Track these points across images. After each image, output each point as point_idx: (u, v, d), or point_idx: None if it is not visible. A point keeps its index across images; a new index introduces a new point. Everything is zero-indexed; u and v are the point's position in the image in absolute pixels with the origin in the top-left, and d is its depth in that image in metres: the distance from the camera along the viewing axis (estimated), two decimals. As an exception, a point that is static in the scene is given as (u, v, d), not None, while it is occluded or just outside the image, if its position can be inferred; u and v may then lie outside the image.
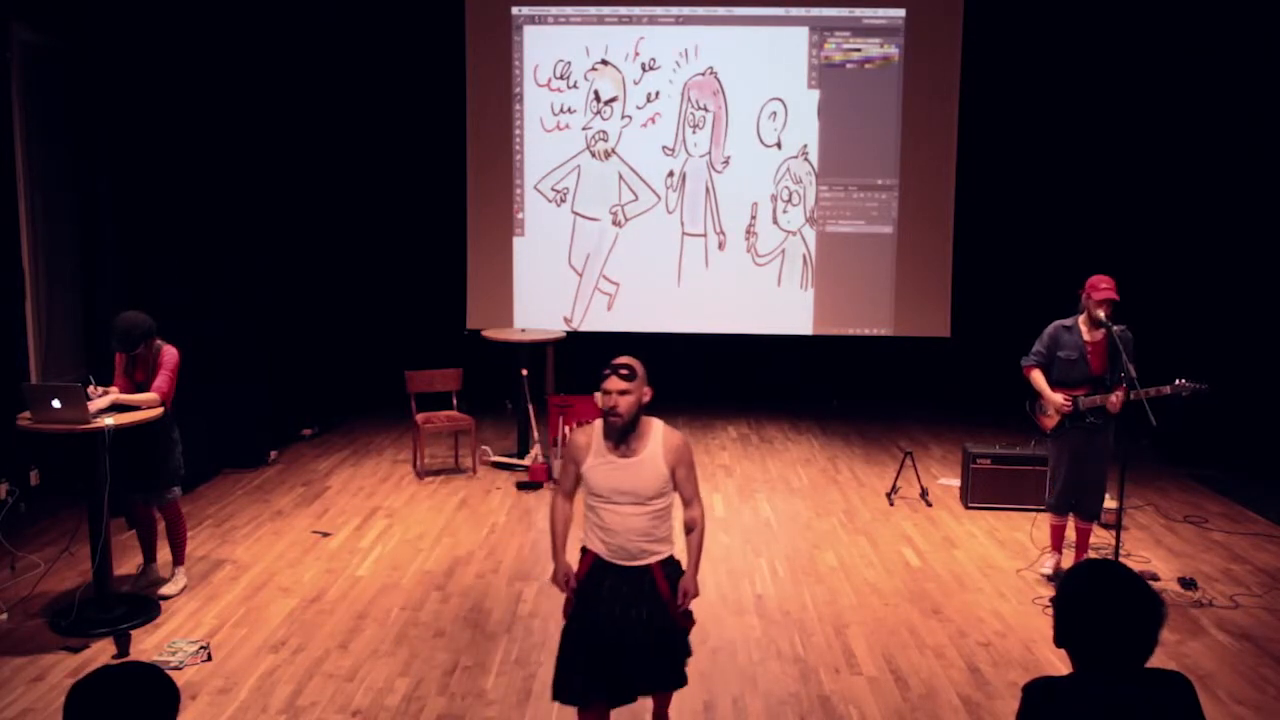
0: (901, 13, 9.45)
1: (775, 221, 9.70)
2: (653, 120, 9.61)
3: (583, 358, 8.71)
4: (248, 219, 8.22)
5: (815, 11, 9.49)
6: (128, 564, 6.01)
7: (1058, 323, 5.88)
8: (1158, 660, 2.36)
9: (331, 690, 4.65)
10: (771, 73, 9.54)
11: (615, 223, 9.73)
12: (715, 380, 10.17)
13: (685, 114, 9.59)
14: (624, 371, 3.70)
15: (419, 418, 7.97)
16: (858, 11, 9.48)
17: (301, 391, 9.04)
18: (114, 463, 5.18)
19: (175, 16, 7.43)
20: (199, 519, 6.83)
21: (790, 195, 9.65)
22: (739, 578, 6.02)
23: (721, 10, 9.50)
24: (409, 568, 6.12)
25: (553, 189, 9.76)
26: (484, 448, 8.37)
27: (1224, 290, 8.55)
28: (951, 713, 4.52)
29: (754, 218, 9.69)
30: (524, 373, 8.25)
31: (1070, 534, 6.12)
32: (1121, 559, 5.67)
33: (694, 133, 9.61)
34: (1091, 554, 6.08)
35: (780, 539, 6.71)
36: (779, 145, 9.62)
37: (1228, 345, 8.33)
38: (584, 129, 9.65)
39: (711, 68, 9.54)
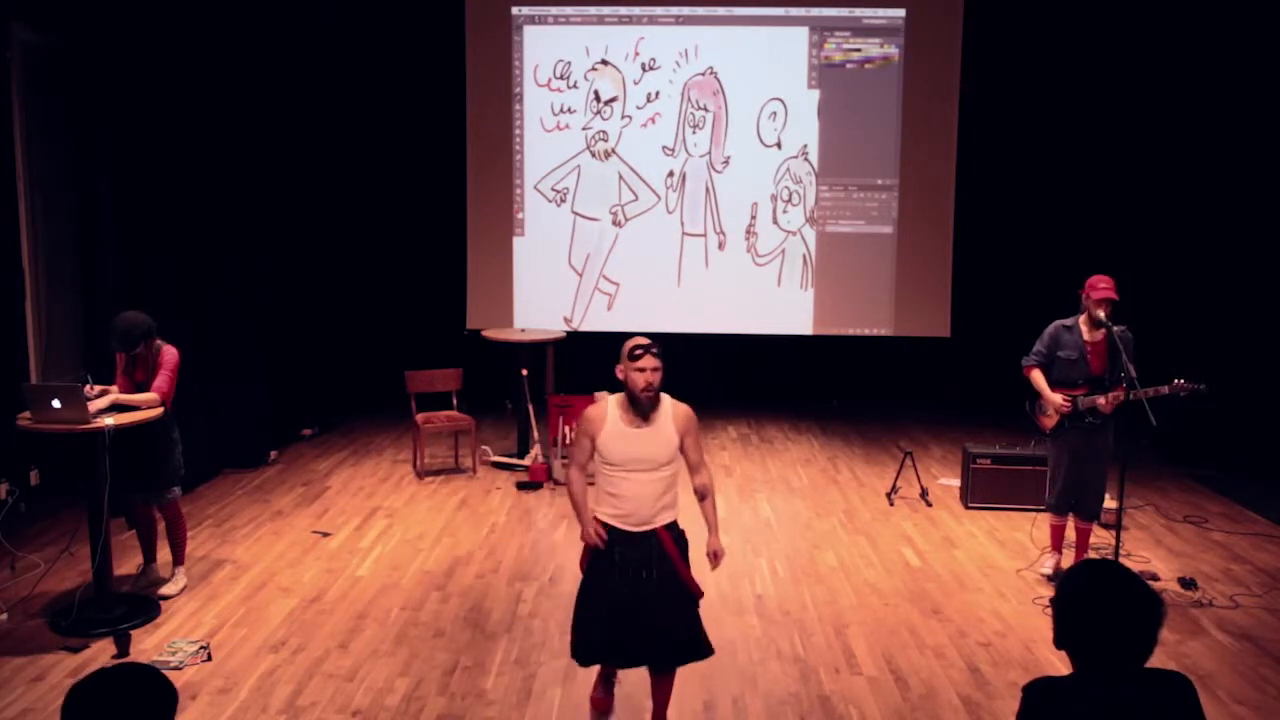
0: (901, 13, 9.44)
1: (775, 221, 9.70)
2: (653, 120, 9.61)
3: (583, 358, 8.72)
4: (248, 219, 8.22)
5: (815, 11, 9.49)
6: (128, 564, 6.01)
7: (1058, 322, 5.89)
8: (1158, 660, 2.36)
9: (331, 690, 4.65)
10: (771, 73, 9.53)
11: (615, 223, 9.73)
12: (715, 380, 10.16)
13: (685, 114, 9.59)
14: (655, 350, 3.99)
15: (419, 418, 7.97)
16: (858, 11, 9.47)
17: (301, 391, 9.04)
18: (114, 463, 5.17)
19: (175, 16, 7.43)
20: (199, 519, 6.83)
21: (790, 195, 9.65)
22: (739, 578, 6.02)
23: (721, 10, 9.50)
24: (409, 568, 6.12)
25: (553, 189, 9.76)
26: (484, 448, 8.37)
27: (1224, 290, 8.55)
28: (951, 713, 4.52)
29: (754, 218, 9.69)
30: (524, 373, 8.25)
31: (1070, 534, 6.12)
32: (1121, 559, 5.67)
33: (694, 133, 9.61)
34: (1091, 554, 6.08)
35: (780, 539, 6.71)
36: (779, 145, 9.62)
37: (1227, 345, 8.33)
38: (584, 129, 9.65)
39: (711, 68, 9.54)
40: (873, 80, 9.53)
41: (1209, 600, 5.73)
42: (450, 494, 7.56)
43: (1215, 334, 8.44)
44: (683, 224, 9.72)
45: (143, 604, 5.46)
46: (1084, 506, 5.95)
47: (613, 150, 9.64)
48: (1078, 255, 8.05)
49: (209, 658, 4.92)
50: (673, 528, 4.12)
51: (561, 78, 9.61)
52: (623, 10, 9.55)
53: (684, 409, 4.13)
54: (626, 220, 9.72)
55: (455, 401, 8.24)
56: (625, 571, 4.03)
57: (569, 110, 9.64)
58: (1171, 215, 9.00)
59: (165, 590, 5.64)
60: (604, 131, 9.63)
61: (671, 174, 9.66)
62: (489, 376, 9.09)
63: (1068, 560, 6.10)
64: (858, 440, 9.18)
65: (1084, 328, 5.77)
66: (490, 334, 8.77)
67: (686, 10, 9.51)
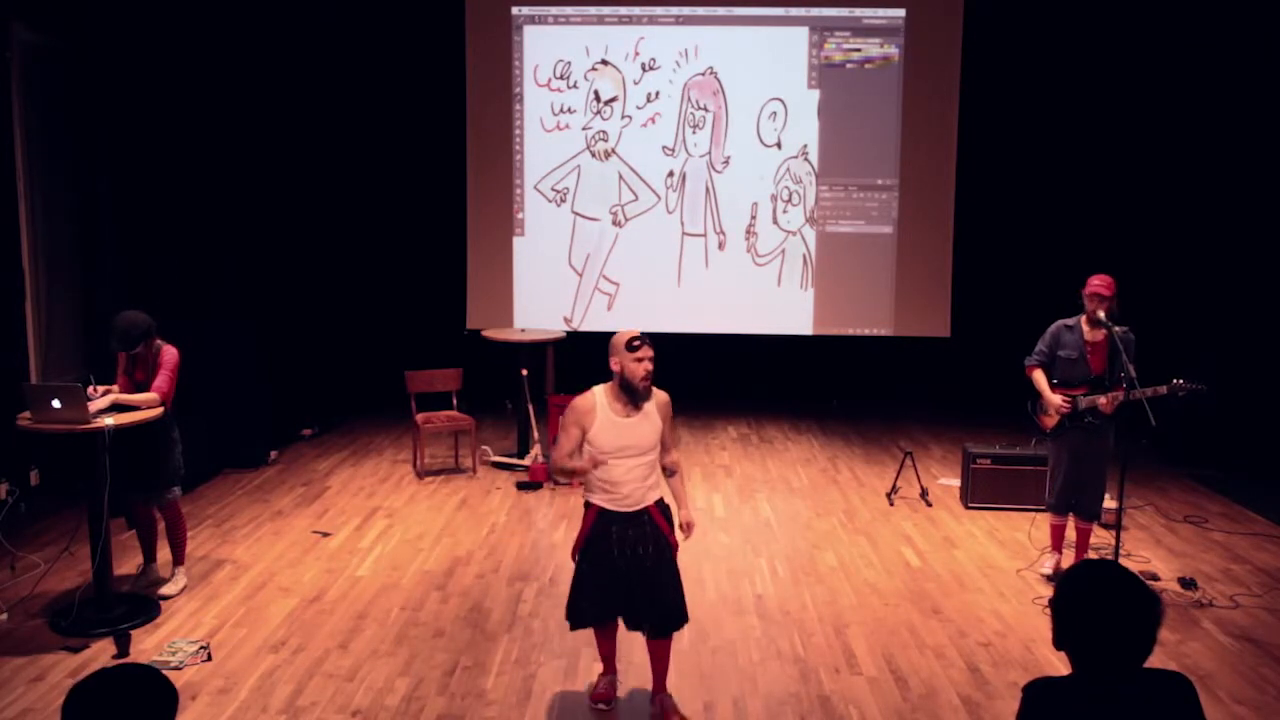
0: (901, 13, 9.44)
1: (775, 221, 9.70)
2: (653, 120, 9.61)
3: (583, 358, 8.71)
4: (247, 219, 8.22)
5: (815, 11, 9.49)
6: (128, 564, 6.01)
7: (1060, 322, 5.90)
8: (1158, 660, 2.37)
9: (331, 690, 4.65)
10: (771, 73, 9.53)
11: (615, 223, 9.73)
12: (715, 380, 10.17)
13: (685, 114, 9.59)
14: (649, 342, 4.24)
15: (419, 418, 7.97)
16: (858, 11, 9.47)
17: (301, 391, 9.04)
18: (114, 463, 5.17)
19: (175, 16, 7.43)
20: (199, 519, 6.83)
21: (790, 195, 9.65)
22: (739, 578, 6.02)
23: (721, 10, 9.49)
24: (409, 568, 6.12)
25: (553, 189, 9.76)
26: (484, 448, 8.37)
27: (1224, 290, 8.55)
28: (951, 713, 4.52)
29: (754, 218, 9.69)
30: (524, 373, 8.25)
31: (1070, 534, 6.12)
32: (1121, 559, 5.67)
33: (694, 133, 9.61)
34: (1091, 554, 6.08)
35: (780, 539, 6.71)
36: (779, 145, 9.62)
37: (1227, 345, 8.33)
38: (584, 129, 9.66)
39: (711, 68, 9.54)
40: (873, 80, 9.53)
41: (1209, 600, 5.73)
42: (450, 494, 7.56)
43: (1215, 334, 8.45)
44: (683, 224, 9.72)
45: (143, 604, 5.46)
46: (1084, 506, 5.95)
47: (613, 150, 9.64)
48: (1078, 255, 8.04)
49: (209, 658, 4.92)
50: (660, 503, 4.41)
51: (561, 78, 9.62)
52: (623, 10, 9.55)
53: (664, 396, 4.38)
54: (626, 220, 9.72)
55: (455, 401, 8.24)
56: (623, 549, 4.28)
57: (569, 110, 9.64)
58: (1172, 215, 9.00)
59: (165, 590, 5.64)
60: (604, 131, 9.63)
61: (671, 174, 9.66)
62: (489, 376, 9.09)
63: (1068, 560, 6.10)
64: (858, 440, 9.18)
65: (1085, 327, 5.78)
66: (490, 334, 8.77)
67: (687, 10, 9.51)
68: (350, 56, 9.66)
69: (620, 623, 4.49)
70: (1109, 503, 6.18)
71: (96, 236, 7.26)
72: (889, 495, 7.51)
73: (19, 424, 5.19)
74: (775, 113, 9.56)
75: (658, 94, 9.59)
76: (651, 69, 9.54)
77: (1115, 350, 5.60)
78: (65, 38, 7.20)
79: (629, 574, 4.30)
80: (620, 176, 9.68)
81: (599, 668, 4.72)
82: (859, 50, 9.51)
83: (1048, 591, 5.77)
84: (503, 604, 5.62)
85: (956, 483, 7.62)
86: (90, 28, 7.07)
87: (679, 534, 4.48)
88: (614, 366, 4.25)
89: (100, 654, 4.95)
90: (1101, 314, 5.63)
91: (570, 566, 4.54)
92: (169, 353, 5.53)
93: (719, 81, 9.55)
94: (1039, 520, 6.58)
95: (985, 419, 9.29)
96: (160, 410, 5.42)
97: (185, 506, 6.14)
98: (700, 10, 9.50)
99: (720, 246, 9.73)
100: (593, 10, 9.57)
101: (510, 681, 4.76)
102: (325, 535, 6.63)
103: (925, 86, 9.47)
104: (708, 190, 9.67)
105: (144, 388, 5.47)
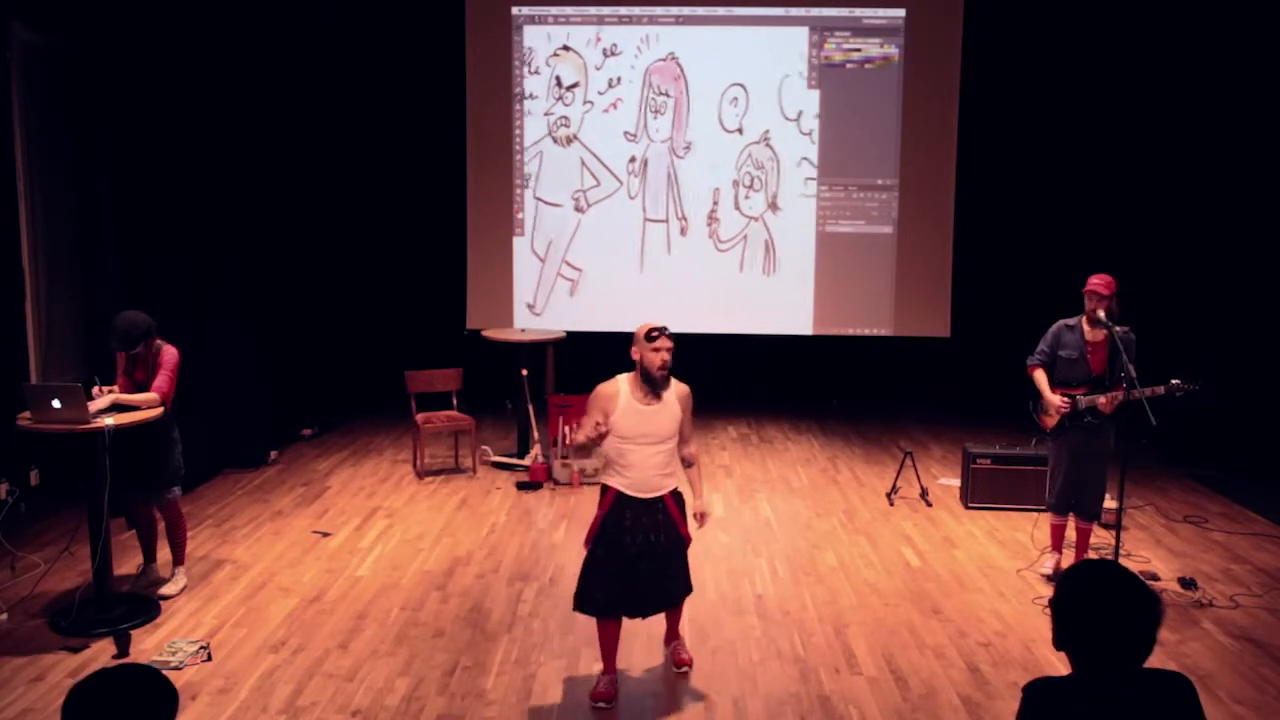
0: (901, 13, 9.44)
1: (737, 207, 9.70)
2: (614, 106, 9.60)
3: (583, 358, 8.72)
4: (247, 219, 8.22)
5: (815, 11, 9.48)
6: (128, 564, 6.01)
7: (1061, 322, 5.90)
8: (1158, 660, 2.37)
9: (331, 690, 4.65)
10: (771, 72, 9.52)
11: (578, 209, 9.73)
12: (715, 380, 10.15)
13: (647, 99, 9.58)
14: (670, 333, 4.44)
15: (419, 418, 7.97)
16: (858, 11, 9.47)
17: (301, 391, 9.04)
18: (114, 463, 5.17)
19: (175, 16, 7.43)
20: (199, 519, 6.83)
21: (752, 181, 9.64)
22: (739, 578, 6.02)
23: (721, 10, 9.49)
24: (409, 568, 6.12)
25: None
26: (484, 448, 8.37)
27: (1223, 290, 8.55)
28: (951, 713, 4.52)
29: (716, 203, 9.69)
30: (524, 373, 8.25)
31: (1070, 534, 6.12)
32: (1121, 559, 5.67)
33: (655, 118, 9.60)
34: (1091, 554, 6.08)
35: (780, 539, 6.71)
36: (740, 131, 9.61)
37: (1227, 345, 8.33)
38: (545, 114, 9.66)
39: (673, 53, 9.52)
40: (873, 80, 9.53)
41: (1209, 600, 5.73)
42: (450, 494, 7.56)
43: (1215, 334, 8.45)
44: (645, 210, 9.72)
45: (143, 604, 5.46)
46: (1084, 506, 5.95)
47: (575, 136, 9.64)
48: (1078, 255, 8.04)
49: (209, 658, 4.92)
50: (674, 494, 4.60)
51: (525, 64, 9.63)
52: (623, 10, 9.54)
53: (685, 388, 4.59)
54: (589, 206, 9.72)
55: (455, 401, 8.24)
56: (636, 536, 4.45)
57: (531, 96, 9.66)
58: (1172, 215, 8.99)
59: (165, 590, 5.64)
60: (566, 117, 9.63)
61: (633, 159, 9.66)
62: (489, 376, 9.09)
63: (1068, 560, 6.10)
64: (858, 440, 9.18)
65: (1086, 327, 5.78)
66: (490, 334, 8.77)
67: (687, 10, 9.51)
68: (350, 56, 9.66)
69: (623, 621, 4.63)
70: (1109, 503, 6.17)
71: (96, 236, 7.26)
72: (889, 495, 7.51)
73: (19, 424, 5.19)
74: (736, 98, 9.54)
75: (619, 79, 9.58)
76: (613, 54, 9.54)
77: (1115, 350, 5.60)
78: (65, 38, 7.20)
79: (639, 560, 4.46)
80: (582, 162, 9.69)
81: (599, 667, 4.72)
82: (859, 50, 9.50)
83: (1048, 591, 5.77)
84: (503, 604, 5.62)
85: (956, 483, 7.62)
86: (90, 28, 7.07)
87: (692, 523, 4.68)
88: (634, 355, 4.46)
89: (100, 654, 4.95)
90: (1100, 313, 5.63)
91: (577, 554, 4.67)
92: (169, 353, 5.53)
93: (680, 67, 9.54)
94: (1039, 520, 6.58)
95: (985, 419, 9.29)
96: (160, 410, 5.42)
97: (185, 506, 6.14)
98: (700, 10, 9.49)
99: (682, 232, 9.73)
100: (592, 10, 9.56)
101: (510, 681, 4.76)
102: (325, 535, 6.63)
103: (925, 86, 9.47)
104: (669, 176, 9.67)
105: (144, 388, 5.46)
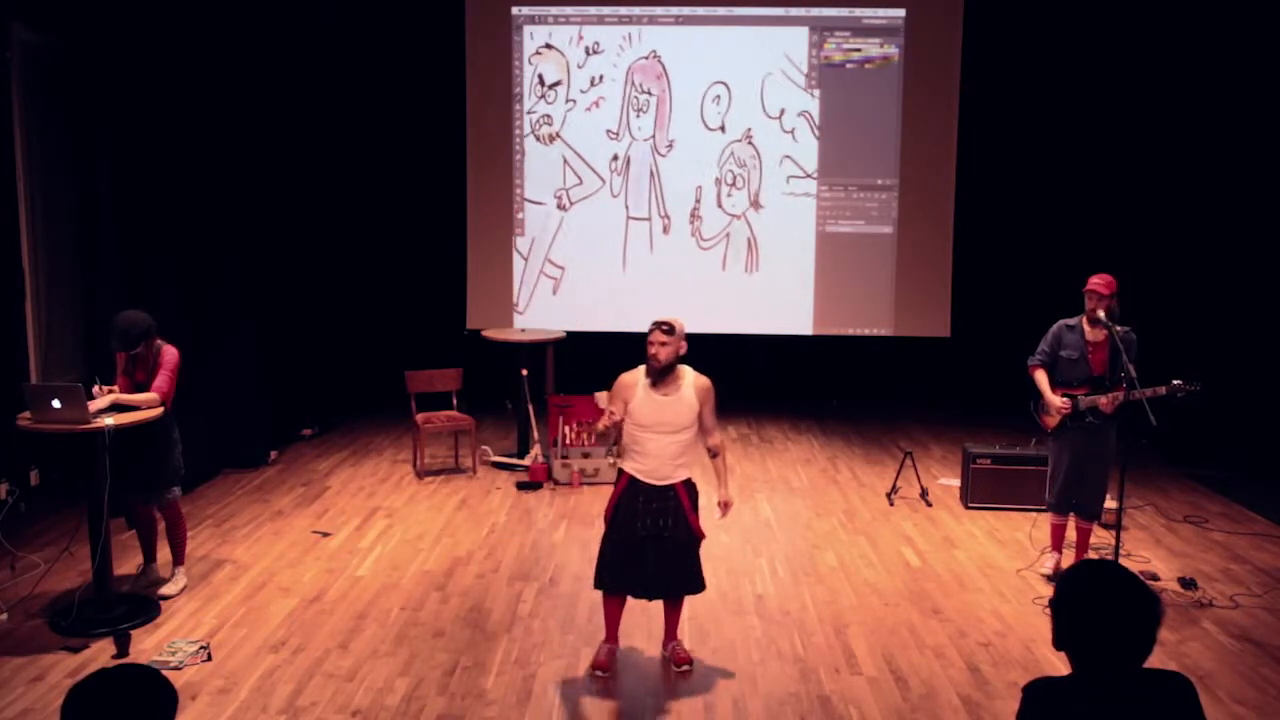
0: (901, 13, 9.44)
1: (720, 205, 9.69)
2: (597, 104, 9.60)
3: (583, 358, 8.73)
4: (247, 219, 8.22)
5: (815, 11, 9.48)
6: (128, 564, 6.01)
7: (1061, 322, 5.90)
8: (1158, 660, 2.37)
9: (331, 690, 4.65)
10: (754, 71, 9.51)
11: (560, 206, 9.72)
12: (714, 380, 10.12)
13: (629, 98, 9.57)
14: (665, 327, 4.65)
15: (419, 418, 7.97)
16: (858, 11, 9.47)
17: (301, 391, 9.04)
18: (114, 463, 5.17)
19: (175, 16, 7.43)
20: (199, 519, 6.83)
21: (734, 179, 9.64)
22: (739, 578, 6.02)
23: (722, 10, 9.49)
24: (409, 568, 6.12)
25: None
26: (484, 448, 8.37)
27: (1223, 290, 8.55)
28: (951, 713, 4.52)
29: (698, 201, 9.69)
30: (524, 373, 8.25)
31: (1071, 534, 6.12)
32: (1121, 559, 5.67)
33: (638, 116, 9.60)
34: (1091, 554, 6.08)
35: (780, 539, 6.71)
36: (723, 129, 9.61)
37: (1227, 345, 8.33)
38: (528, 113, 9.66)
39: (655, 51, 9.52)
40: (873, 80, 9.53)
41: (1209, 600, 5.73)
42: (450, 494, 7.56)
43: (1215, 334, 8.44)
44: (627, 208, 9.72)
45: (143, 604, 5.46)
46: (1085, 506, 5.95)
47: (557, 134, 9.64)
48: (1078, 255, 8.04)
49: (209, 658, 4.92)
50: (687, 483, 4.78)
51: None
52: (623, 10, 9.54)
53: (704, 381, 4.80)
54: (571, 204, 9.73)
55: (455, 401, 8.24)
56: (646, 519, 4.66)
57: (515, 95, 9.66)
58: (1172, 215, 8.99)
59: (165, 590, 5.64)
60: (548, 115, 9.63)
61: (616, 158, 9.66)
62: (489, 376, 9.09)
63: (1068, 560, 6.10)
64: (858, 440, 9.18)
65: (1086, 327, 5.78)
66: (490, 334, 8.77)
67: (687, 10, 9.51)
68: (350, 56, 9.66)
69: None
70: (1109, 503, 6.17)
71: (96, 236, 7.26)
72: (889, 495, 7.51)
73: (19, 424, 5.18)
74: (719, 96, 9.55)
75: (601, 78, 9.58)
76: (595, 53, 9.54)
77: (1116, 350, 5.60)
78: (65, 38, 7.20)
79: (647, 543, 4.67)
80: (565, 160, 9.69)
81: (603, 640, 4.83)
82: (859, 50, 9.50)
83: (1048, 591, 5.77)
84: (503, 604, 5.62)
85: (956, 483, 7.62)
86: (90, 28, 7.06)
87: (715, 511, 4.87)
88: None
89: (100, 654, 4.95)
90: (1100, 313, 5.63)
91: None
92: (169, 353, 5.53)
93: (662, 65, 9.54)
94: (1039, 520, 6.58)
95: (985, 419, 9.29)
96: (160, 410, 5.42)
97: (185, 506, 6.14)
98: (700, 10, 9.49)
99: (665, 230, 9.73)
100: (593, 10, 9.56)
101: (510, 681, 4.76)
102: (325, 535, 6.63)
103: (925, 86, 9.46)
104: (652, 174, 9.67)
105: (144, 388, 5.46)
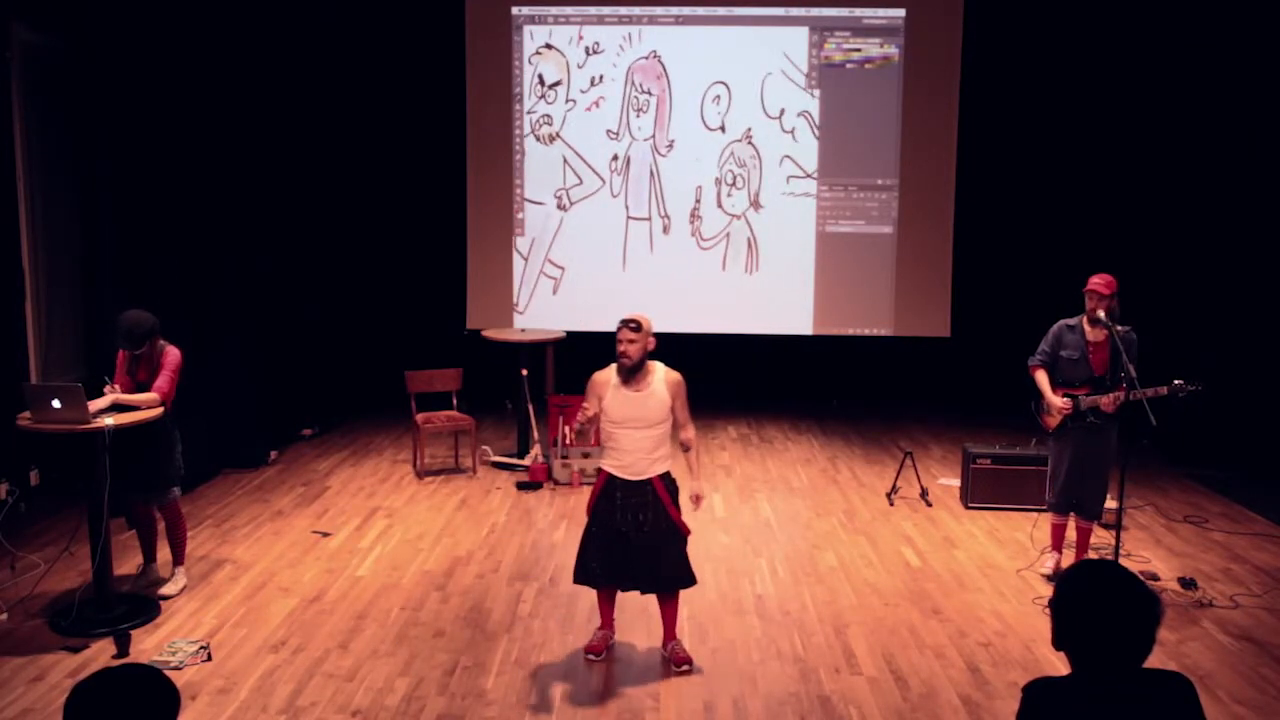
0: (901, 13, 9.44)
1: (720, 205, 9.70)
2: (597, 104, 9.61)
3: (583, 358, 8.71)
4: (248, 219, 8.22)
5: (815, 11, 9.49)
6: (128, 564, 6.01)
7: (1062, 322, 5.90)
8: (1158, 660, 2.37)
9: (331, 690, 4.65)
10: (754, 71, 9.51)
11: (560, 206, 9.73)
12: (714, 380, 10.15)
13: (629, 98, 9.58)
14: (632, 325, 4.71)
15: (419, 418, 7.97)
16: (858, 11, 9.47)
17: (301, 391, 9.04)
18: (114, 463, 5.17)
19: (175, 16, 7.43)
20: (199, 519, 6.83)
21: (734, 179, 9.65)
22: (739, 578, 6.02)
23: (721, 10, 9.49)
24: (409, 568, 6.12)
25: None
26: (484, 448, 8.37)
27: (1223, 290, 8.55)
28: (951, 713, 4.53)
29: (698, 201, 9.69)
30: (524, 373, 8.25)
31: (1070, 534, 6.12)
32: (1121, 559, 5.67)
33: (638, 116, 9.61)
34: (1091, 554, 6.08)
35: (780, 539, 6.71)
36: (723, 129, 9.61)
37: (1227, 345, 8.33)
38: (528, 113, 9.67)
39: (655, 51, 9.53)
40: (873, 80, 9.53)
41: (1209, 600, 5.73)
42: (450, 494, 7.56)
43: (1215, 334, 8.45)
44: (627, 208, 9.73)
45: (143, 604, 5.46)
46: (1085, 506, 5.95)
47: (557, 134, 9.65)
48: (1078, 255, 8.05)
49: (209, 658, 4.92)
50: (665, 477, 4.85)
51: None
52: (623, 10, 9.55)
53: (675, 376, 4.85)
54: (571, 204, 9.73)
55: (455, 401, 8.24)
56: (625, 513, 4.75)
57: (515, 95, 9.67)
58: (1172, 215, 8.99)
59: (165, 590, 5.64)
60: (548, 115, 9.63)
61: (616, 158, 9.66)
62: (489, 376, 9.09)
63: (1068, 560, 6.09)
64: (858, 440, 9.18)
65: (1087, 327, 5.78)
66: (490, 334, 8.77)
67: (687, 10, 9.51)
68: (350, 57, 9.66)
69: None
70: (1109, 503, 6.18)
71: (96, 236, 7.26)
72: (889, 495, 7.51)
73: (19, 424, 5.19)
74: (719, 96, 9.55)
75: (601, 78, 9.58)
76: (595, 53, 9.54)
77: (1116, 350, 5.60)
78: (65, 38, 7.20)
79: (628, 537, 4.75)
80: (565, 160, 9.69)
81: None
82: (859, 50, 9.51)
83: (1048, 591, 5.77)
84: (503, 604, 5.62)
85: (956, 483, 7.62)
86: (90, 28, 7.06)
87: (687, 505, 4.91)
88: None
89: (100, 654, 4.95)
90: (1101, 313, 5.63)
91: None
92: (171, 353, 5.53)
93: (662, 65, 9.54)
94: (1039, 520, 6.58)
95: (985, 419, 9.29)
96: (160, 410, 5.42)
97: (185, 506, 6.15)
98: (700, 10, 9.49)
99: (665, 230, 9.74)
100: (593, 10, 9.57)
101: (510, 681, 4.76)
102: (325, 535, 6.63)
103: (925, 86, 9.47)
104: (652, 174, 9.67)
105: (145, 388, 5.47)
